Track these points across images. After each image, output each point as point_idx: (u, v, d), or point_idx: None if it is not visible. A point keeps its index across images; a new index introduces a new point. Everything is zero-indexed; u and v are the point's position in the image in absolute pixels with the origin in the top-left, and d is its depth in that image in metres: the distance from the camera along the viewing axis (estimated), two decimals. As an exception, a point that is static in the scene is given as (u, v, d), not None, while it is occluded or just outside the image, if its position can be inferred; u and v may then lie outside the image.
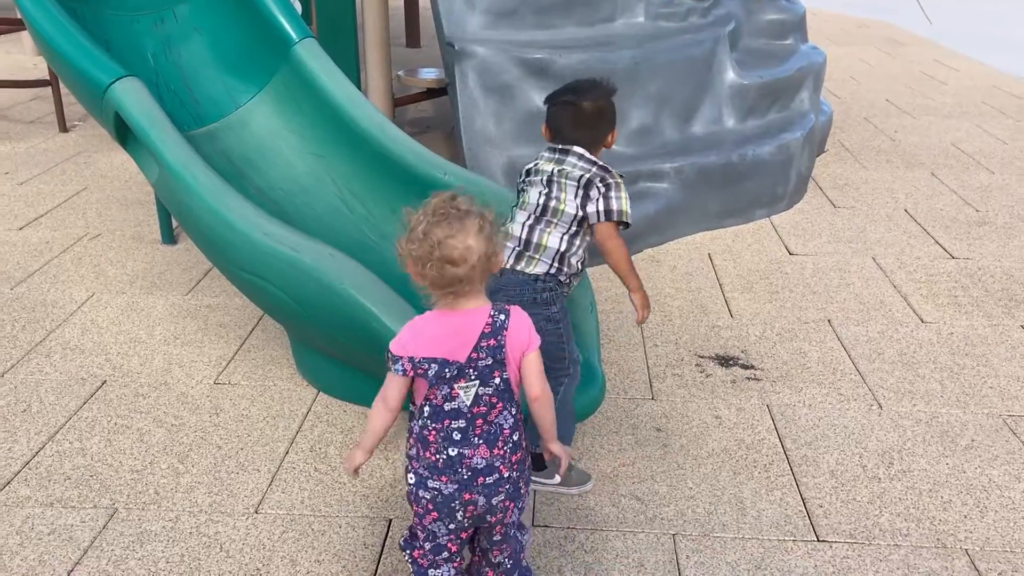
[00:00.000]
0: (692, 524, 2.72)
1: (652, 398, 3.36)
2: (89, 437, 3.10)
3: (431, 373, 1.98)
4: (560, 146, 2.76)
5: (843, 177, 5.76)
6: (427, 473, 2.06)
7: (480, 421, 2.02)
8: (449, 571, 2.16)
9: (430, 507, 2.07)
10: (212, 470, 2.94)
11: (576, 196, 2.66)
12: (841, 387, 3.45)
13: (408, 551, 2.19)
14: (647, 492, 2.86)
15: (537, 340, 2.05)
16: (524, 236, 2.69)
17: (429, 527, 2.09)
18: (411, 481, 2.10)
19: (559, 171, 2.70)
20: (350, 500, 2.81)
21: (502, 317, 2.01)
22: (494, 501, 2.06)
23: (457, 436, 2.02)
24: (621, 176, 2.71)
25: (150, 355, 3.62)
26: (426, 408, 2.03)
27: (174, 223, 4.68)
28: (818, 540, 2.66)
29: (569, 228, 2.68)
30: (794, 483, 2.91)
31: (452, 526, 2.08)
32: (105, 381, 3.43)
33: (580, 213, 2.66)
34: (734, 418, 3.25)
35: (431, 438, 2.03)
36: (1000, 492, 2.88)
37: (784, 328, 3.89)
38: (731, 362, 3.62)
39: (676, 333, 3.84)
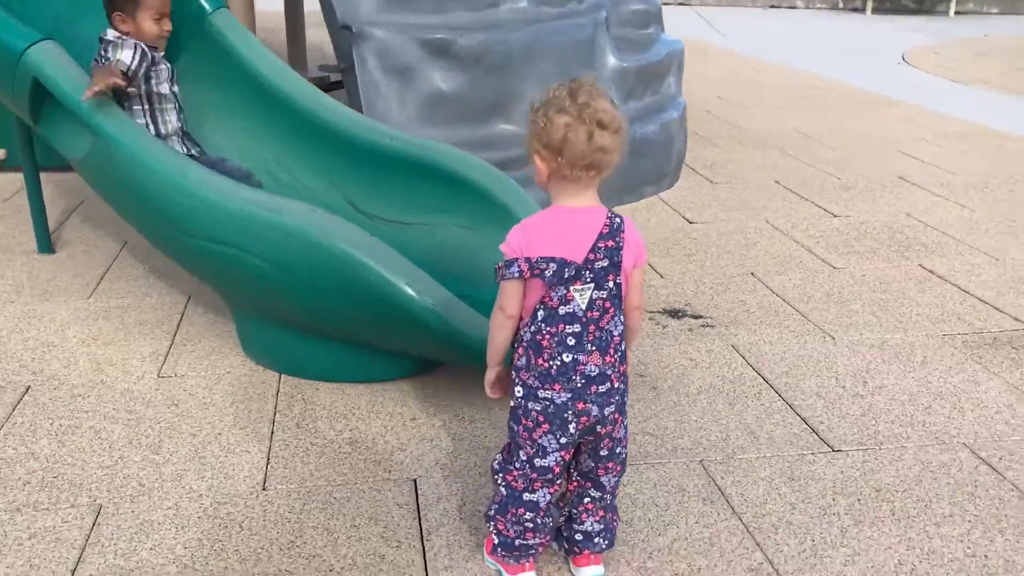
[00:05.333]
0: (713, 450, 2.73)
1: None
2: (34, 441, 2.72)
3: (548, 273, 1.89)
4: None
5: (708, 158, 6.05)
6: (537, 383, 1.95)
7: (593, 327, 1.94)
8: (545, 496, 2.05)
9: (540, 419, 1.96)
10: (195, 456, 2.66)
11: None
12: (790, 326, 3.59)
13: (501, 474, 2.06)
14: (657, 428, 2.85)
15: (646, 256, 2.02)
16: None
17: (539, 442, 1.98)
18: (519, 394, 1.99)
19: None
20: (362, 468, 2.62)
21: (618, 220, 1.95)
22: (606, 411, 1.98)
23: (571, 342, 1.93)
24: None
25: (72, 357, 3.23)
26: (540, 312, 1.93)
27: (52, 231, 4.23)
28: (833, 451, 2.74)
29: None
30: (788, 407, 2.99)
31: (564, 440, 1.97)
32: (29, 387, 3.03)
33: None
34: (707, 359, 3.31)
35: (544, 343, 1.93)
36: (967, 395, 3.08)
37: (715, 282, 4.01)
38: (680, 314, 3.69)
39: (618, 294, 3.87)
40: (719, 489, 2.54)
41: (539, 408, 1.96)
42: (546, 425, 1.96)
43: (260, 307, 2.99)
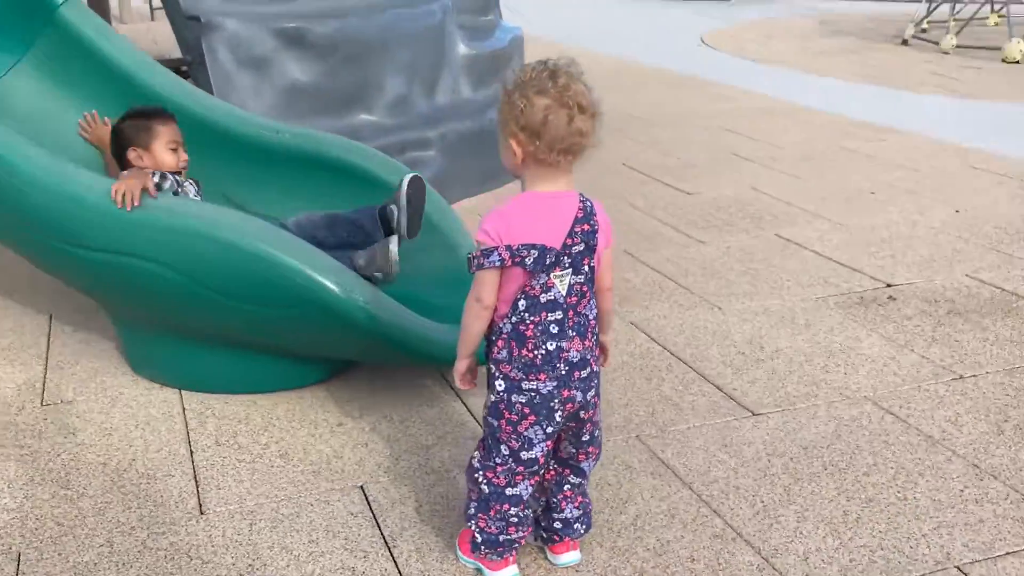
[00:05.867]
0: (645, 425, 2.79)
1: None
2: (-85, 490, 2.41)
3: (529, 260, 1.85)
4: None
5: (553, 143, 6.13)
6: (521, 374, 1.91)
7: (572, 312, 1.92)
8: (527, 489, 2.02)
9: (526, 411, 1.92)
10: (113, 487, 2.44)
11: None
12: (678, 300, 3.71)
13: (481, 472, 2.01)
14: (585, 410, 2.87)
15: (613, 237, 2.02)
16: None
17: (525, 434, 1.94)
18: (500, 388, 1.94)
19: None
20: (302, 480, 2.49)
21: (590, 203, 1.94)
22: (588, 396, 1.97)
23: (554, 329, 1.90)
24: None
25: (-69, 393, 2.88)
26: (521, 302, 1.89)
27: None
28: (754, 414, 2.87)
29: None
30: (701, 377, 3.09)
31: (550, 430, 1.95)
32: None
33: None
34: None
35: (528, 333, 1.89)
36: (855, 352, 3.29)
37: (596, 263, 4.08)
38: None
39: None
40: (663, 462, 2.60)
41: (524, 400, 1.93)
42: (532, 417, 1.93)
43: (166, 320, 2.76)
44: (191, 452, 2.60)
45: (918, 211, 4.90)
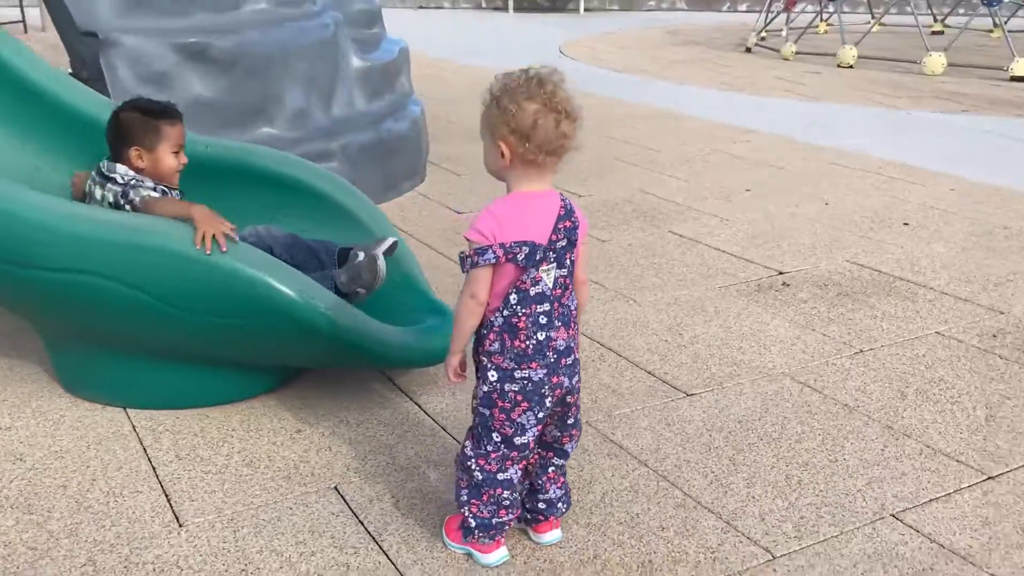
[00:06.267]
0: (591, 412, 2.94)
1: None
2: None
3: (521, 256, 1.97)
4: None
5: (441, 153, 6.24)
6: (513, 364, 2.03)
7: (557, 304, 2.05)
8: (517, 472, 2.14)
9: (519, 398, 2.04)
10: (80, 508, 2.40)
11: None
12: (594, 294, 3.90)
13: (473, 460, 2.11)
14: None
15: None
16: None
17: (518, 420, 2.05)
18: (493, 378, 2.04)
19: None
20: (274, 486, 2.52)
21: (568, 202, 2.07)
22: (573, 381, 2.11)
23: (543, 320, 2.02)
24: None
25: None
26: (512, 296, 2.00)
27: None
28: (688, 395, 3.07)
29: None
30: (632, 364, 3.28)
31: (541, 415, 2.07)
32: None
33: None
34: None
35: (521, 324, 2.01)
36: (764, 334, 3.56)
37: (510, 265, 4.22)
38: (495, 297, 3.86)
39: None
40: (616, 444, 2.76)
41: (516, 388, 2.04)
42: (525, 403, 2.05)
43: (117, 337, 2.72)
44: (153, 468, 2.58)
45: (793, 205, 5.28)
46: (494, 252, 1.97)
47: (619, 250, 4.46)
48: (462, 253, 2.04)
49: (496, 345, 2.05)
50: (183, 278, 2.48)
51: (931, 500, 2.51)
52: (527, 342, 2.03)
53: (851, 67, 10.71)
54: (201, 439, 2.73)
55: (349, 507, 2.43)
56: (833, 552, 2.29)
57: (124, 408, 2.88)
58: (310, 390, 3.01)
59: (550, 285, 2.03)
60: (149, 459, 2.62)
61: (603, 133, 7.01)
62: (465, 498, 2.16)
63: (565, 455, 2.24)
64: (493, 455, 2.10)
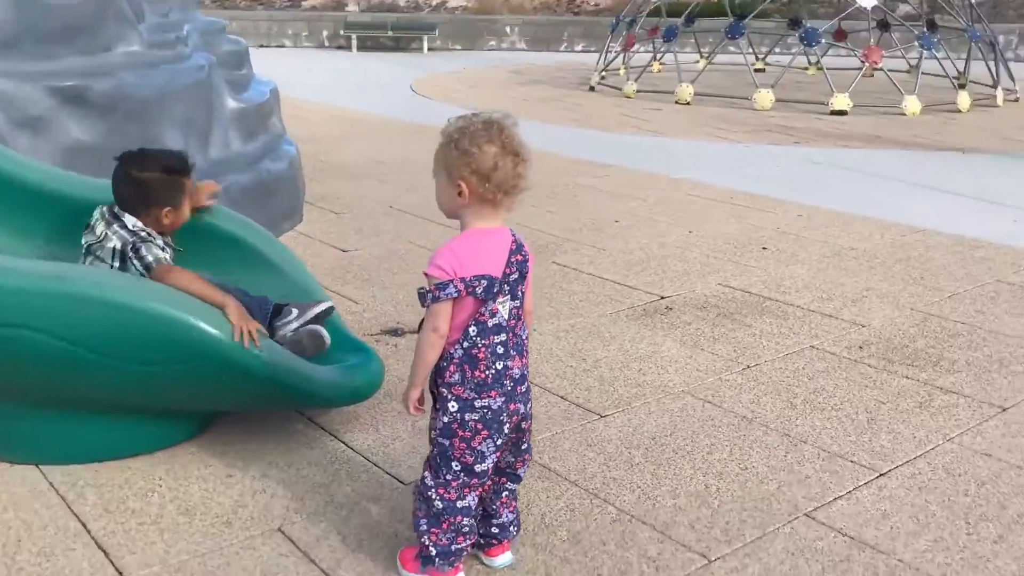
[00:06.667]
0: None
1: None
2: None
3: (479, 290, 2.06)
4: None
5: (316, 192, 6.23)
6: (473, 394, 2.11)
7: (511, 334, 2.15)
8: (474, 500, 2.22)
9: (479, 427, 2.12)
10: (10, 571, 2.30)
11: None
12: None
13: (433, 489, 2.17)
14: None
15: None
16: None
17: (479, 448, 2.13)
18: (453, 409, 2.12)
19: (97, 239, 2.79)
20: (216, 532, 2.49)
21: (518, 237, 2.18)
22: (527, 407, 2.22)
23: (500, 350, 2.12)
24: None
25: None
26: (472, 328, 2.09)
27: None
28: (601, 416, 3.23)
29: None
30: (544, 390, 3.41)
31: (499, 441, 2.16)
32: None
33: None
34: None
35: (480, 355, 2.10)
36: (659, 356, 3.77)
37: (407, 300, 4.29)
38: (399, 332, 3.92)
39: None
40: (544, 467, 2.87)
41: (476, 417, 2.13)
42: (485, 432, 2.14)
43: (35, 391, 2.61)
44: (83, 524, 2.50)
45: (659, 234, 5.59)
46: (455, 286, 2.06)
47: (539, 272, 4.59)
48: (421, 289, 2.12)
49: (456, 376, 2.13)
50: (114, 327, 2.44)
51: (836, 498, 2.75)
52: (487, 371, 2.12)
53: (688, 103, 11.36)
54: (128, 490, 2.66)
55: (298, 547, 2.43)
56: (761, 552, 2.48)
57: (36, 465, 2.76)
58: (233, 435, 2.98)
59: (506, 316, 2.14)
60: (76, 515, 2.54)
61: (470, 170, 7.17)
62: (424, 527, 2.22)
63: (518, 479, 2.34)
64: (453, 483, 2.17)
